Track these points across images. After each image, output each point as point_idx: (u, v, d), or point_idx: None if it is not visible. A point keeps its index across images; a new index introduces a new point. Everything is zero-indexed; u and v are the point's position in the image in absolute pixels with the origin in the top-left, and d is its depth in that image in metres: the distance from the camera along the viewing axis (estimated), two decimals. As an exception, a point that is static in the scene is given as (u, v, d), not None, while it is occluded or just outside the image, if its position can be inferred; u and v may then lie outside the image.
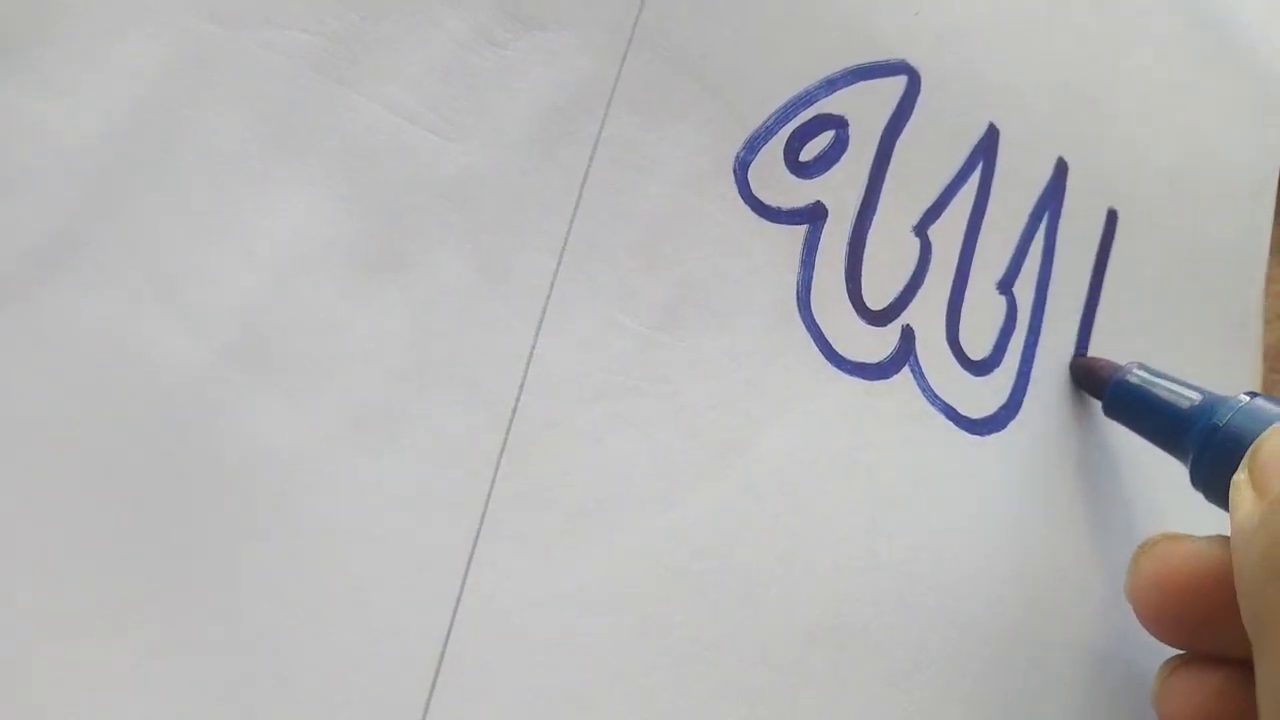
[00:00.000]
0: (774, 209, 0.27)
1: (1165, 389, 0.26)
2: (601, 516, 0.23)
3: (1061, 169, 0.31)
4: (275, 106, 0.22)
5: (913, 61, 0.29)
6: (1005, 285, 0.29)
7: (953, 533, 0.27)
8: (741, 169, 0.26)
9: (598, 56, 0.25)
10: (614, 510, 0.23)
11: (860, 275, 0.27)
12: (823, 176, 0.27)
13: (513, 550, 0.22)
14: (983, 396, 0.28)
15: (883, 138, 0.28)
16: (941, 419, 0.28)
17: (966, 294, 0.29)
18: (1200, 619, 0.23)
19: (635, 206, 0.25)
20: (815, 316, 0.27)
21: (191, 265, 0.21)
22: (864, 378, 0.27)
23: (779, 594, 0.25)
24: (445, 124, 0.24)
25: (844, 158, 0.28)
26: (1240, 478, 0.22)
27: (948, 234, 0.29)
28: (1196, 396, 0.26)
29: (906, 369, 0.27)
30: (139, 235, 0.21)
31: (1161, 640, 0.25)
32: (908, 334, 0.28)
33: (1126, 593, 0.25)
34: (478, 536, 0.22)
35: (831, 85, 0.28)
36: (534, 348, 0.23)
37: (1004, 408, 0.28)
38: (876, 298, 0.28)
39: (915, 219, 0.28)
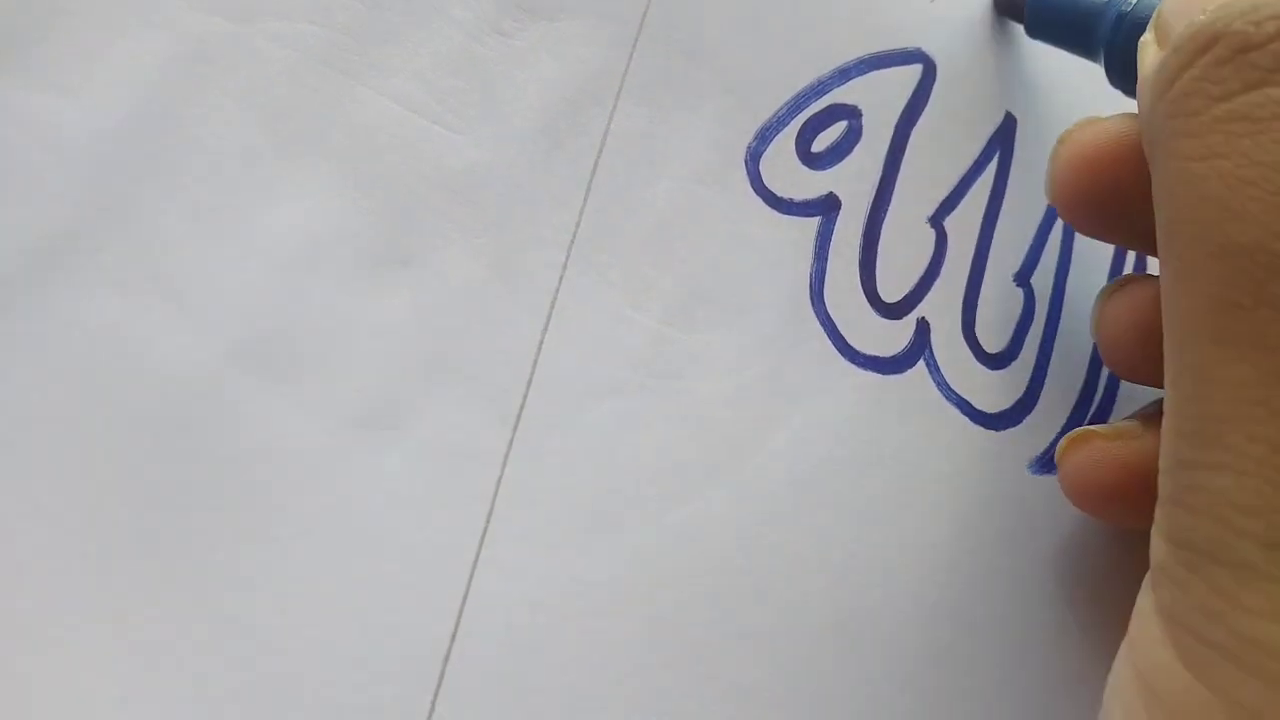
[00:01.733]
0: (786, 200, 0.26)
1: None
2: (610, 515, 0.23)
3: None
4: (281, 101, 0.22)
5: (928, 50, 0.28)
6: (1023, 277, 0.29)
7: (967, 530, 0.27)
8: (753, 160, 0.26)
9: (607, 47, 0.25)
10: (623, 508, 0.23)
11: (875, 267, 0.27)
12: (836, 167, 0.27)
13: (520, 549, 0.22)
14: (999, 390, 0.28)
15: (897, 128, 0.28)
16: (956, 413, 0.27)
17: (983, 287, 0.28)
18: (1123, 199, 0.23)
19: (645, 199, 0.25)
20: (829, 309, 0.26)
21: (196, 263, 0.21)
22: (878, 371, 0.26)
23: (790, 593, 0.24)
24: (453, 116, 0.24)
25: (857, 148, 0.27)
26: (1146, 37, 0.21)
27: (964, 225, 0.28)
28: None
29: (921, 363, 0.27)
30: (143, 232, 0.21)
31: (1088, 232, 0.25)
32: (923, 327, 0.27)
33: (1046, 187, 0.25)
34: (484, 535, 0.22)
35: (844, 75, 0.27)
36: (542, 344, 0.23)
37: (1020, 402, 0.28)
38: (891, 290, 0.27)
39: (931, 210, 0.28)
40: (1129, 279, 0.25)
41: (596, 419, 0.23)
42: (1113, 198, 0.23)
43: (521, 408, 0.23)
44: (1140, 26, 0.25)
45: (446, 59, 0.24)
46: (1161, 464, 0.19)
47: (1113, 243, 0.27)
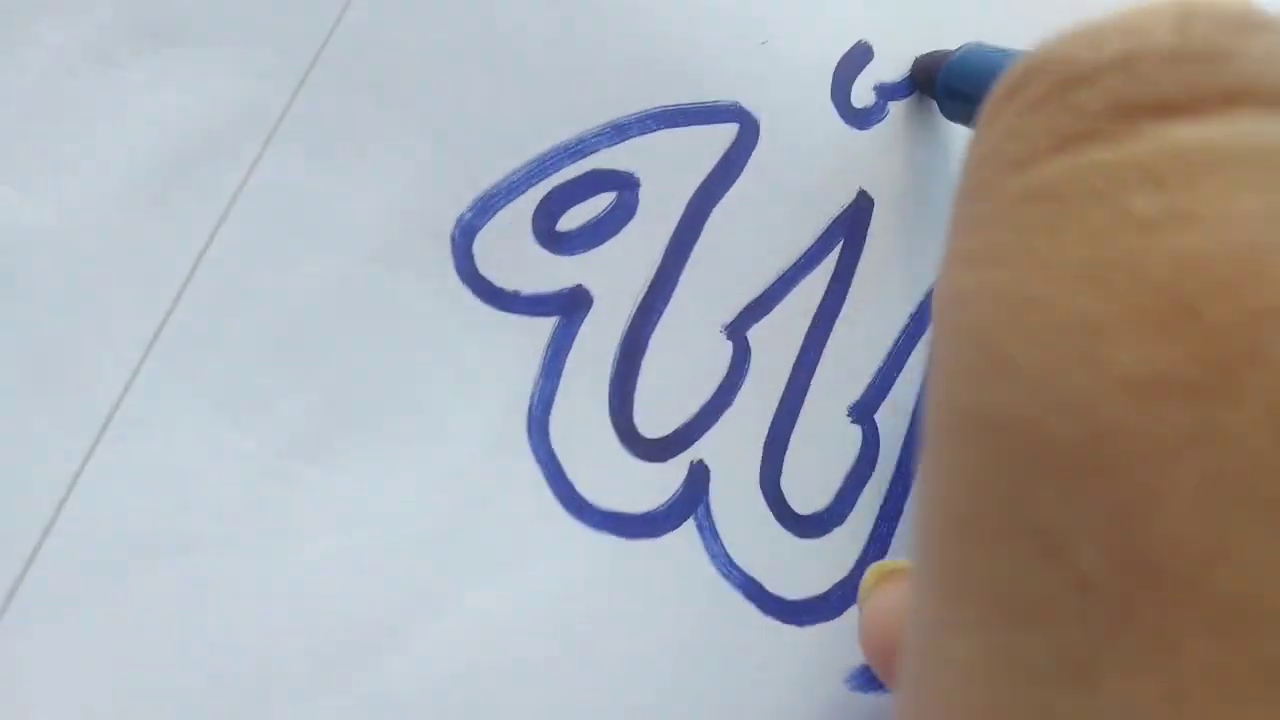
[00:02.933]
0: (509, 294, 0.19)
1: (998, 56, 0.21)
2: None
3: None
4: None
5: (749, 105, 0.21)
6: (863, 410, 0.21)
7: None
8: (464, 235, 0.19)
9: (261, 81, 0.19)
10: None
11: (634, 390, 0.20)
12: (591, 252, 0.20)
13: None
14: (809, 567, 0.20)
15: (692, 203, 0.21)
16: (739, 598, 0.19)
17: (800, 420, 0.21)
18: None
19: (281, 282, 0.18)
20: (554, 444, 0.19)
21: None
22: (619, 534, 0.19)
23: None
24: (12, 169, 0.17)
25: (628, 228, 0.20)
26: None
27: (778, 336, 0.21)
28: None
29: (690, 524, 0.19)
30: None
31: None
32: (698, 473, 0.20)
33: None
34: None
35: (620, 132, 0.20)
36: (78, 477, 0.16)
37: (842, 585, 0.20)
38: (655, 421, 0.20)
39: (731, 314, 0.21)
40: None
41: (149, 588, 0.16)
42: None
43: (24, 571, 0.16)
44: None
45: (20, 95, 0.18)
46: None
47: None
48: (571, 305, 0.20)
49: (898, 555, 0.20)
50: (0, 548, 0.16)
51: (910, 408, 0.21)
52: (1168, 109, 0.09)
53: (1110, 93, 0.10)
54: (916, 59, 0.23)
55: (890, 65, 0.23)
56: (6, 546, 0.16)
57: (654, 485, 0.19)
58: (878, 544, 0.20)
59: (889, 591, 0.18)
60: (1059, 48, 0.10)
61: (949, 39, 0.23)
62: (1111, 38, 0.10)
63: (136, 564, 0.16)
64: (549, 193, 0.20)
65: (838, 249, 0.22)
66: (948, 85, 0.22)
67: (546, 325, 0.19)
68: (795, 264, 0.21)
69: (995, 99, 0.11)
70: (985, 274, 0.10)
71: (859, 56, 0.23)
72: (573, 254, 0.20)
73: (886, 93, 0.23)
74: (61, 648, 0.16)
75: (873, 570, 0.18)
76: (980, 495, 0.09)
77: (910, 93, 0.23)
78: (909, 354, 0.22)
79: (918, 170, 0.23)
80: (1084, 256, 0.09)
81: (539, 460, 0.19)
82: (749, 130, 0.21)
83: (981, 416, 0.09)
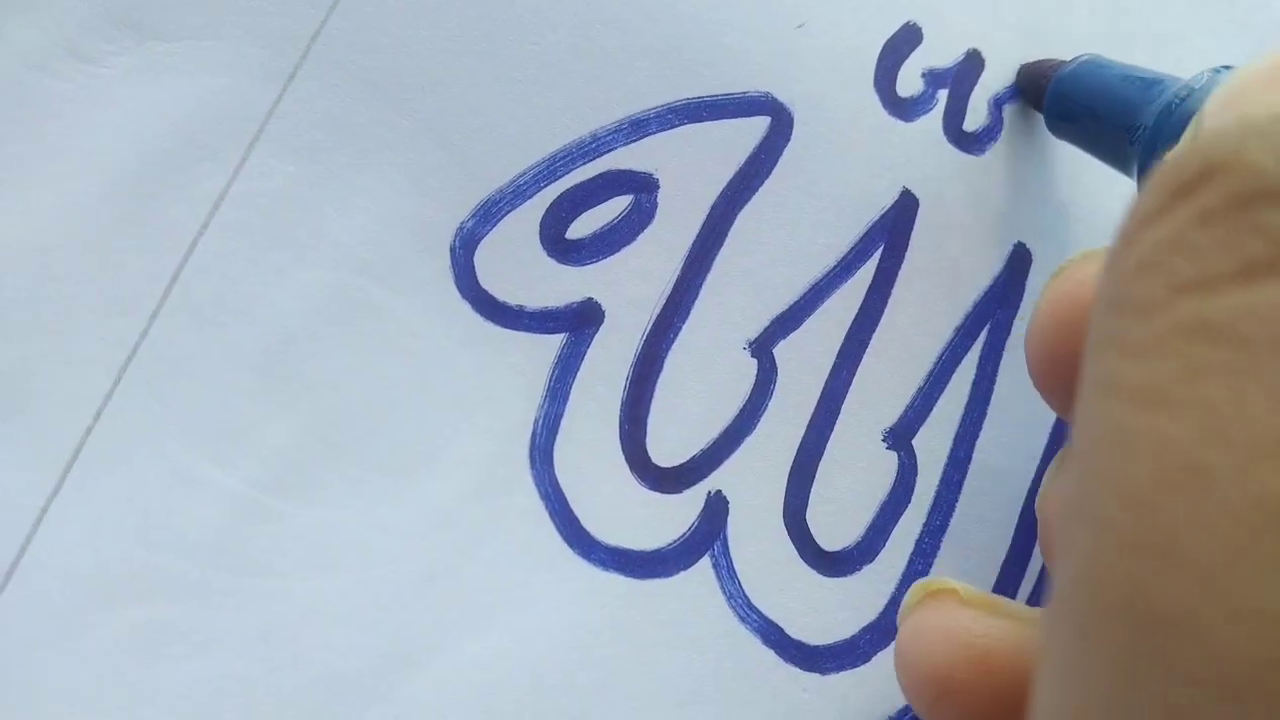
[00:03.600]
0: (514, 309, 0.18)
1: (1118, 75, 0.19)
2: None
3: (1021, 257, 0.21)
4: None
5: (782, 97, 0.19)
6: (900, 435, 0.19)
7: None
8: (465, 245, 0.18)
9: (248, 78, 0.17)
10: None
11: (647, 413, 0.18)
12: (604, 262, 0.18)
13: None
14: (835, 609, 0.18)
15: (716, 206, 0.19)
16: (757, 644, 0.18)
17: (830, 446, 0.19)
18: None
19: (268, 297, 0.17)
20: (559, 475, 0.18)
21: None
22: (627, 573, 0.17)
23: None
24: (-26, 174, 0.16)
25: (644, 235, 0.19)
26: (1178, 149, 0.12)
27: (808, 352, 0.19)
28: (1153, 77, 0.19)
29: (706, 561, 0.18)
30: None
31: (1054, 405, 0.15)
32: (716, 505, 0.18)
33: (1026, 336, 0.16)
34: None
35: (638, 128, 0.19)
36: (44, 514, 0.15)
37: (872, 629, 0.18)
38: (670, 449, 0.18)
39: (756, 329, 0.19)
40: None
41: (116, 634, 0.15)
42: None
43: (-24, 615, 0.15)
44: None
45: (-18, 90, 0.16)
46: None
47: None
48: (581, 320, 0.18)
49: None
50: (-41, 591, 0.15)
51: (953, 432, 0.20)
52: None
53: None
54: (1022, 67, 0.21)
55: (941, 49, 0.21)
56: (-35, 590, 0.15)
57: (667, 519, 0.18)
58: (910, 580, 0.19)
59: (933, 614, 0.16)
60: (1241, 148, 0.09)
61: (1007, 22, 0.20)
62: None
63: (102, 609, 0.15)
64: (558, 197, 0.18)
65: (877, 254, 0.20)
66: (1058, 104, 0.20)
67: (553, 343, 0.18)
68: (829, 272, 0.19)
69: (1158, 190, 0.09)
70: (1148, 420, 0.08)
71: (906, 39, 0.21)
72: (583, 264, 0.18)
73: (936, 80, 0.21)
74: (21, 699, 0.15)
75: (917, 587, 0.17)
76: (1122, 706, 0.08)
77: (966, 92, 0.21)
78: (952, 373, 0.20)
79: (968, 167, 0.21)
80: (1275, 426, 0.07)
81: (542, 492, 0.17)
82: (781, 124, 0.20)
83: (1133, 606, 0.08)
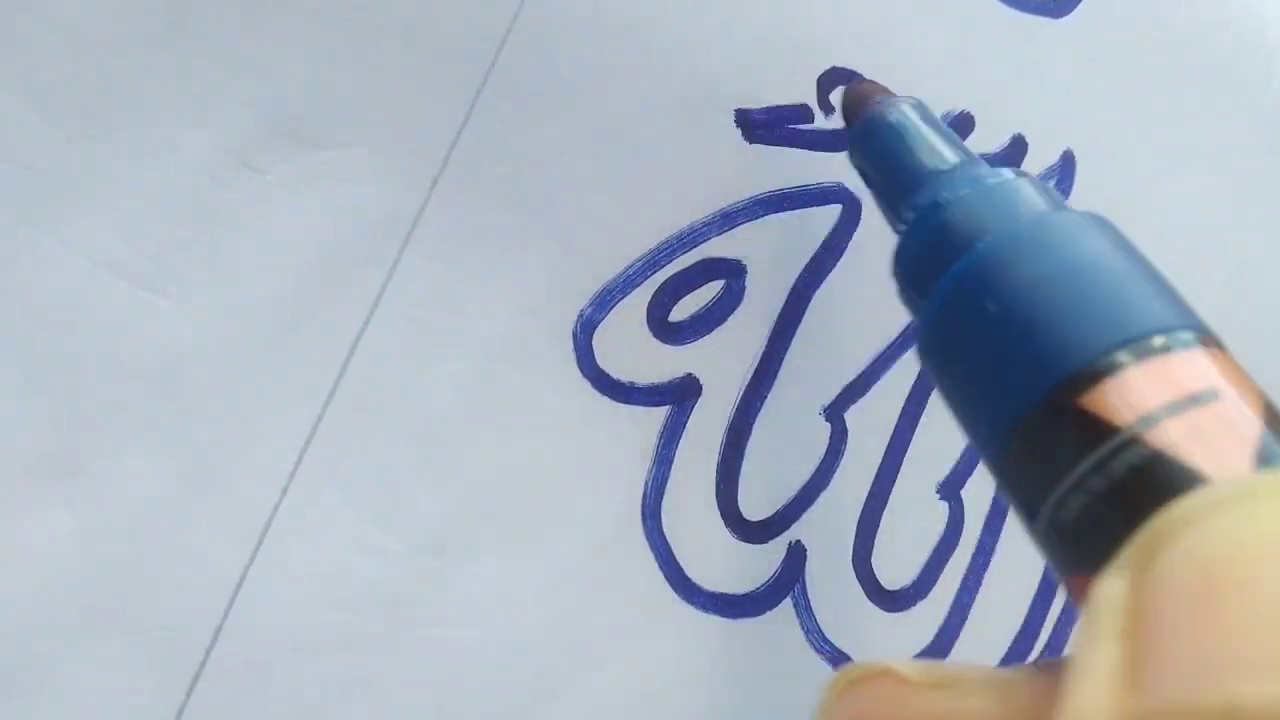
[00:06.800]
0: (626, 385, 0.20)
1: (926, 137, 0.17)
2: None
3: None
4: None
5: (852, 185, 0.22)
6: (951, 487, 0.22)
7: None
8: (585, 331, 0.20)
9: (396, 184, 0.20)
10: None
11: (738, 474, 0.21)
12: (701, 341, 0.21)
13: None
14: (895, 639, 0.22)
15: (795, 288, 0.22)
16: (829, 670, 0.21)
17: (892, 498, 0.22)
18: None
19: (421, 384, 0.19)
20: (665, 530, 0.20)
21: None
22: (722, 614, 0.21)
23: None
24: (165, 278, 0.18)
25: (735, 315, 0.21)
26: (1107, 604, 0.11)
27: (874, 417, 0.22)
28: (956, 159, 0.17)
29: (788, 602, 0.21)
30: None
31: None
32: (796, 553, 0.21)
33: None
34: None
35: (728, 220, 0.21)
36: (241, 583, 0.18)
37: (923, 654, 0.22)
38: (758, 504, 0.21)
39: (829, 396, 0.22)
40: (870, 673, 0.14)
41: (299, 682, 0.18)
42: None
43: (200, 670, 0.18)
44: (940, 238, 0.15)
45: (167, 201, 0.19)
46: None
47: None
48: (682, 394, 0.21)
49: (978, 624, 0.22)
50: (176, 649, 0.18)
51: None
52: None
53: None
54: (847, 88, 0.20)
55: (989, 135, 0.23)
56: (182, 648, 0.18)
57: (755, 566, 0.21)
58: (958, 614, 0.22)
59: (872, 700, 0.14)
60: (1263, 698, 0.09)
61: (1046, 109, 0.23)
62: None
63: (300, 661, 0.18)
64: (662, 284, 0.21)
65: (932, 327, 0.22)
66: (857, 140, 0.19)
67: (659, 414, 0.21)
68: (892, 344, 0.22)
69: None
70: None
71: (960, 127, 0.23)
72: (683, 344, 0.21)
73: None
74: (239, 737, 0.18)
75: (839, 677, 0.14)
76: None
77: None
78: (994, 429, 0.23)
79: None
80: None
81: (652, 546, 0.20)
82: (851, 211, 0.22)
83: None
